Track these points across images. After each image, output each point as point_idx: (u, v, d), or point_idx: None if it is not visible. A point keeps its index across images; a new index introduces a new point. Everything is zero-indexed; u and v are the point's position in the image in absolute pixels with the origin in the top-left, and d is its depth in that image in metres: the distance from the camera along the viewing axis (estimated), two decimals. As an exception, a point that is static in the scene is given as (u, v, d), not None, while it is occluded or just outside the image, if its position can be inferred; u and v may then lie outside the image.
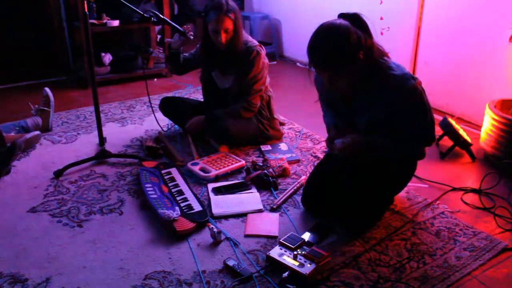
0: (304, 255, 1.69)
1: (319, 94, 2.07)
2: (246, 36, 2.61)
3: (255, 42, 2.61)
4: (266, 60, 2.66)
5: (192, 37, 2.60)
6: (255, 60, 2.56)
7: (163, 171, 2.36)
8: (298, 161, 2.58)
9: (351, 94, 1.86)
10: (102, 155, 2.52)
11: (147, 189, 2.16)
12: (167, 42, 2.74)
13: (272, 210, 2.11)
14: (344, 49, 1.69)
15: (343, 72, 1.75)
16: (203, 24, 2.55)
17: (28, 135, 2.63)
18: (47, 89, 3.05)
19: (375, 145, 1.88)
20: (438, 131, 2.55)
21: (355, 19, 1.73)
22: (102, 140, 2.52)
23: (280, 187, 2.29)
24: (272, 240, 1.89)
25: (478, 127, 2.87)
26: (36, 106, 2.97)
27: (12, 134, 2.66)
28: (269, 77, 2.73)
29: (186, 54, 2.77)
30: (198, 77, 2.87)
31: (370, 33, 1.75)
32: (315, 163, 2.45)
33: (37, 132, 2.72)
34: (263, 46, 2.64)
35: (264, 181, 2.28)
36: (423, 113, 1.80)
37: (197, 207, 2.04)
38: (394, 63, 1.81)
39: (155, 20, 2.55)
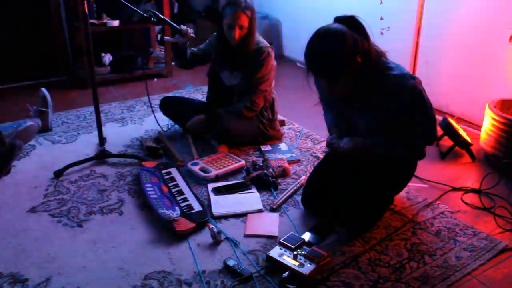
0: (304, 255, 1.69)
1: (319, 94, 2.07)
2: (258, 36, 2.62)
3: (267, 43, 2.62)
4: (275, 63, 2.67)
5: (193, 36, 2.60)
6: (265, 61, 2.57)
7: (163, 171, 2.36)
8: (298, 161, 2.58)
9: (351, 95, 1.86)
10: (102, 155, 2.52)
11: (147, 189, 2.16)
12: (167, 41, 2.74)
13: (272, 210, 2.11)
14: (340, 55, 1.69)
15: (341, 77, 1.75)
16: (218, 19, 2.56)
17: (20, 128, 2.61)
18: (43, 89, 3.04)
19: (377, 146, 1.87)
20: (438, 131, 2.54)
21: (351, 22, 1.72)
22: (102, 140, 2.52)
23: (280, 187, 2.29)
24: (272, 240, 1.89)
25: (478, 127, 2.87)
26: (34, 107, 2.97)
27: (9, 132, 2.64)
28: (274, 80, 2.73)
29: (195, 49, 2.78)
30: (198, 76, 2.87)
31: (367, 35, 1.74)
32: (315, 163, 2.45)
33: (30, 123, 2.69)
34: (273, 48, 2.65)
35: (264, 181, 2.28)
36: (423, 113, 1.80)
37: (197, 207, 2.04)
38: (393, 63, 1.81)
39: (155, 20, 2.55)
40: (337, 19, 1.76)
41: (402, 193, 2.21)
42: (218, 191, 2.23)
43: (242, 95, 2.64)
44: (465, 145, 2.65)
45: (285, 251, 1.72)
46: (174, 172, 2.36)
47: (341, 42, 1.68)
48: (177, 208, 2.00)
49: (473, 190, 2.30)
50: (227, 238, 1.89)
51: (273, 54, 2.62)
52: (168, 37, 2.80)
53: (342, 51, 1.68)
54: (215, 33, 2.71)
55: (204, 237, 1.91)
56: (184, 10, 5.24)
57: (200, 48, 2.79)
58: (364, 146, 1.88)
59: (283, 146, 2.74)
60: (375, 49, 1.79)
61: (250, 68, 2.58)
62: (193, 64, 2.82)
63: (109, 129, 2.98)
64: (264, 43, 2.62)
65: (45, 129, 2.94)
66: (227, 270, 1.71)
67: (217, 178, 2.35)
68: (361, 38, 1.72)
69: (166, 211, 1.94)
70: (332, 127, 2.05)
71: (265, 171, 2.32)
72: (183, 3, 5.27)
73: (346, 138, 1.91)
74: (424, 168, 2.40)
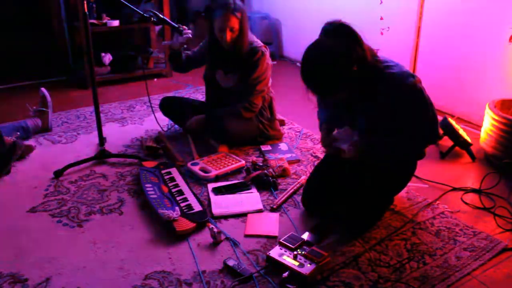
0: (304, 255, 1.69)
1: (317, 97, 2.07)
2: (251, 36, 2.61)
3: (260, 43, 2.62)
4: (270, 61, 2.66)
5: (190, 36, 2.60)
6: (259, 61, 2.56)
7: (163, 171, 2.36)
8: (298, 161, 2.58)
9: (351, 99, 1.86)
10: (102, 155, 2.52)
11: (147, 189, 2.16)
12: (165, 45, 2.74)
13: (272, 210, 2.11)
14: (336, 74, 1.68)
15: (341, 91, 1.75)
16: (209, 22, 2.56)
17: (22, 142, 2.60)
18: (43, 89, 3.04)
19: (381, 148, 1.87)
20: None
21: (340, 30, 1.70)
22: (102, 140, 2.52)
23: (280, 187, 2.29)
24: (272, 240, 1.89)
25: (478, 127, 2.87)
26: (34, 107, 2.97)
27: (12, 138, 2.64)
28: (271, 78, 2.73)
29: (189, 52, 2.77)
30: (198, 76, 2.87)
31: (359, 39, 1.71)
32: (315, 163, 2.45)
33: (31, 144, 2.68)
34: (267, 47, 2.64)
35: (264, 181, 2.28)
36: (424, 111, 1.80)
37: (197, 207, 2.04)
38: (392, 61, 1.81)
39: (155, 20, 2.55)
40: (325, 31, 1.73)
41: (402, 193, 2.21)
42: (218, 191, 2.22)
43: (240, 96, 2.64)
44: (465, 145, 2.65)
45: (285, 251, 1.72)
46: (174, 172, 2.36)
47: (334, 61, 1.66)
48: (177, 208, 2.00)
49: (473, 190, 2.30)
50: (227, 238, 1.89)
51: (267, 53, 2.61)
52: (166, 41, 2.80)
53: (337, 69, 1.67)
54: (207, 38, 2.70)
55: (204, 237, 1.91)
56: (181, 10, 5.25)
57: (195, 51, 2.79)
58: (367, 149, 1.87)
59: (283, 146, 2.73)
60: (370, 50, 1.76)
61: (245, 69, 2.58)
62: (188, 67, 2.81)
63: (109, 129, 2.98)
64: (258, 42, 2.61)
65: (45, 129, 2.94)
66: (227, 270, 1.71)
67: (217, 178, 2.35)
68: (353, 45, 1.69)
69: (166, 211, 1.94)
70: (324, 123, 2.05)
71: (265, 171, 2.32)
72: (180, 4, 5.28)
73: (349, 143, 1.90)
74: (424, 168, 2.40)
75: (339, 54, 1.66)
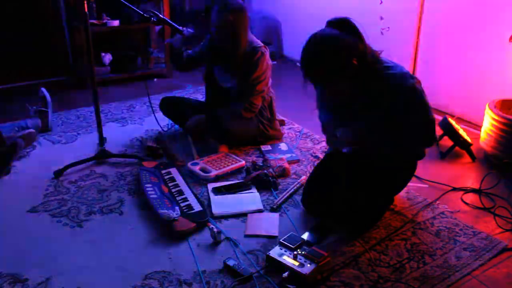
0: (304, 255, 1.69)
1: (317, 94, 2.07)
2: (251, 36, 2.61)
3: (260, 43, 2.61)
4: (270, 61, 2.66)
5: (187, 34, 2.60)
6: (259, 61, 2.56)
7: (163, 171, 2.36)
8: (298, 161, 2.58)
9: (350, 98, 1.86)
10: (102, 155, 2.52)
11: (147, 189, 2.16)
12: (167, 44, 2.75)
13: (272, 210, 2.11)
14: (336, 62, 1.68)
15: (339, 82, 1.75)
16: (209, 20, 2.57)
17: (22, 132, 2.61)
18: (43, 89, 3.04)
19: (376, 141, 1.87)
20: (438, 131, 2.55)
21: (344, 25, 1.71)
22: (102, 140, 2.52)
23: (280, 187, 2.29)
24: (272, 240, 1.89)
25: (478, 127, 2.87)
26: (34, 107, 2.97)
27: (12, 134, 2.65)
28: (271, 78, 2.73)
29: (190, 52, 2.78)
30: (198, 76, 2.87)
31: (361, 37, 1.73)
32: (315, 163, 2.45)
33: (32, 130, 2.69)
34: (267, 47, 2.64)
35: (264, 181, 2.28)
36: (423, 113, 1.80)
37: (197, 207, 2.04)
38: (392, 62, 1.81)
39: (155, 20, 2.55)
40: (330, 23, 1.75)
41: (402, 193, 2.21)
42: (218, 191, 2.22)
43: (239, 96, 2.64)
44: (465, 145, 2.65)
45: (285, 251, 1.72)
46: (174, 172, 2.36)
47: (336, 48, 1.67)
48: (177, 208, 2.00)
49: (473, 190, 2.30)
50: (227, 238, 1.89)
51: (267, 53, 2.61)
52: (168, 40, 2.81)
53: (337, 57, 1.67)
54: (208, 36, 2.71)
55: (204, 237, 1.91)
56: (179, 11, 5.24)
57: (195, 50, 2.79)
58: (364, 137, 1.87)
59: (283, 146, 2.73)
60: (371, 50, 1.77)
61: (244, 69, 2.58)
62: (188, 66, 2.81)
63: (109, 129, 2.98)
64: (258, 43, 2.61)
65: (45, 129, 2.94)
66: (227, 270, 1.71)
67: (217, 178, 2.35)
68: (356, 40, 1.70)
69: (166, 211, 1.94)
70: (327, 124, 2.05)
71: (265, 171, 2.32)
72: (176, 4, 5.28)
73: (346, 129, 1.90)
74: (424, 168, 2.40)
75: (340, 42, 1.67)
